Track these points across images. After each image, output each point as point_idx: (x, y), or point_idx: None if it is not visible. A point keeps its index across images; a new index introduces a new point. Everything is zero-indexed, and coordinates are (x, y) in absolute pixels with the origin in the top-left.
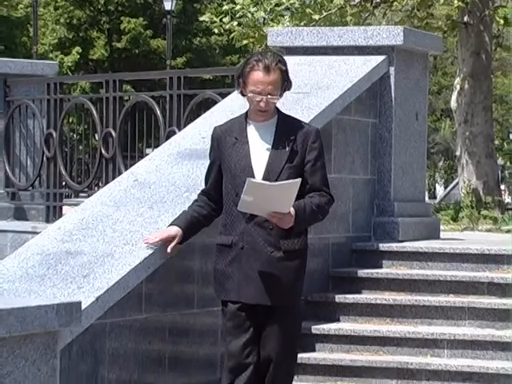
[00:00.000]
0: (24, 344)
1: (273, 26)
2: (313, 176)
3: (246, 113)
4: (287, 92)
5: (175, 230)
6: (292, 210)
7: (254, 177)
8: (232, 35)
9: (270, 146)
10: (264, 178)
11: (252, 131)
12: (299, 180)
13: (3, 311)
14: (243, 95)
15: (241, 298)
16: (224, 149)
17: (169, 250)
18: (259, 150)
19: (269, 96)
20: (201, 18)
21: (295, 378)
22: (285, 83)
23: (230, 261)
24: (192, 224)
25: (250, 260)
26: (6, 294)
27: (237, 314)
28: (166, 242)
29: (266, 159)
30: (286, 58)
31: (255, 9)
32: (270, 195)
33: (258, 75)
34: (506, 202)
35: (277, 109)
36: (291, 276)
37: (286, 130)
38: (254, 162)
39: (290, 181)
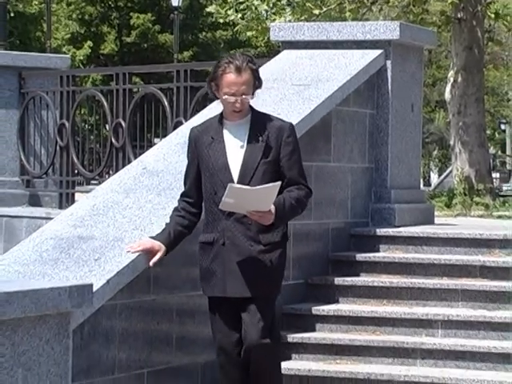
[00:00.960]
0: (38, 324)
1: (275, 20)
2: (290, 170)
3: (222, 113)
4: (289, 84)
5: (158, 246)
6: (272, 208)
7: (230, 174)
8: (236, 28)
9: (244, 143)
10: (240, 175)
11: (227, 130)
12: (279, 183)
13: (19, 293)
14: (216, 98)
15: (226, 292)
16: (201, 148)
17: (151, 263)
18: (235, 147)
19: (243, 96)
20: (207, 9)
21: (296, 356)
22: (256, 82)
23: (213, 257)
24: (175, 239)
25: (232, 255)
26: (21, 277)
27: (225, 311)
28: (148, 253)
29: (242, 156)
30: (287, 51)
31: (258, 2)
32: (250, 198)
33: (230, 77)
34: (504, 189)
35: (251, 107)
36: (272, 268)
37: (259, 126)
38: (231, 160)
39: (270, 184)
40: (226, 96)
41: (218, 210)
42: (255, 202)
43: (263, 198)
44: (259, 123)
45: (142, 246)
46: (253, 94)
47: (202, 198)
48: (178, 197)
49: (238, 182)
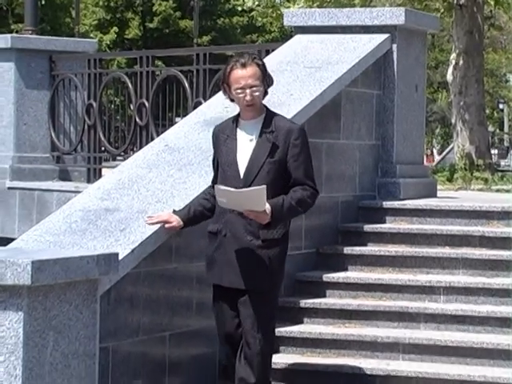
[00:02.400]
0: (68, 290)
1: (289, 7)
2: (296, 171)
3: (239, 113)
4: (301, 66)
5: (175, 219)
6: (268, 208)
7: (238, 170)
8: (252, 14)
9: (254, 142)
10: (246, 172)
11: (241, 129)
12: (264, 187)
13: (50, 261)
14: (232, 100)
15: (222, 281)
16: (218, 145)
17: (167, 227)
18: (244, 145)
19: (252, 88)
20: None
21: (308, 320)
22: (265, 78)
23: (216, 247)
24: (194, 217)
25: (232, 247)
26: (52, 246)
27: (226, 300)
28: (166, 223)
29: (250, 154)
30: (299, 36)
31: None
32: (238, 199)
33: (237, 73)
34: (502, 164)
35: (266, 108)
36: (269, 263)
37: (270, 126)
38: (239, 157)
39: (256, 187)
40: (237, 91)
41: None
42: (246, 202)
43: (252, 199)
44: (270, 123)
45: (160, 217)
46: (265, 93)
47: None
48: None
49: (243, 179)
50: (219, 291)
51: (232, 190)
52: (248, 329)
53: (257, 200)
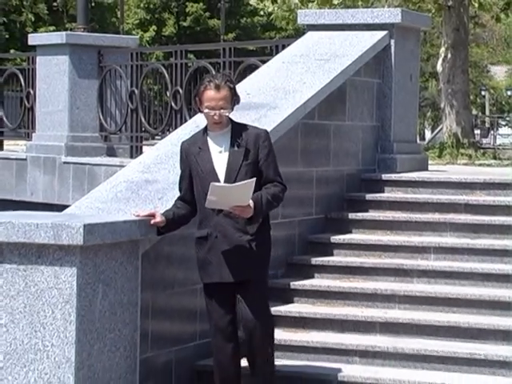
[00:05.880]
0: (114, 249)
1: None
2: (267, 169)
3: (206, 126)
4: (312, 59)
5: (160, 217)
6: (251, 202)
7: (217, 177)
8: (271, 16)
9: (227, 150)
10: (226, 177)
11: (211, 140)
12: (254, 179)
13: (99, 225)
14: (201, 112)
15: (222, 278)
16: (191, 158)
17: (152, 222)
18: (218, 154)
19: (221, 110)
20: (250, 1)
21: (318, 275)
22: (234, 98)
23: (208, 249)
24: (173, 220)
25: (225, 246)
26: (100, 212)
27: (221, 294)
28: (151, 219)
29: (226, 161)
30: (310, 33)
31: None
32: (230, 194)
33: (210, 93)
34: (484, 142)
35: (230, 119)
36: (260, 252)
37: (239, 134)
38: (216, 165)
39: (247, 181)
40: (207, 110)
41: (209, 209)
42: (235, 197)
43: (242, 192)
44: (239, 132)
45: (146, 214)
46: (232, 109)
47: (195, 199)
48: (176, 199)
49: (225, 183)
50: (214, 287)
51: (226, 184)
52: (250, 315)
53: (245, 193)
